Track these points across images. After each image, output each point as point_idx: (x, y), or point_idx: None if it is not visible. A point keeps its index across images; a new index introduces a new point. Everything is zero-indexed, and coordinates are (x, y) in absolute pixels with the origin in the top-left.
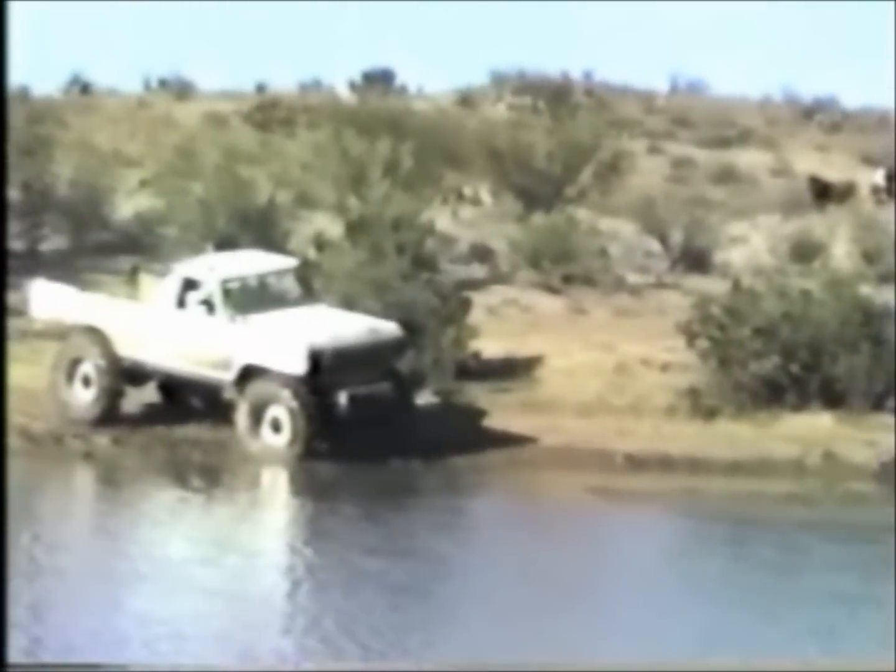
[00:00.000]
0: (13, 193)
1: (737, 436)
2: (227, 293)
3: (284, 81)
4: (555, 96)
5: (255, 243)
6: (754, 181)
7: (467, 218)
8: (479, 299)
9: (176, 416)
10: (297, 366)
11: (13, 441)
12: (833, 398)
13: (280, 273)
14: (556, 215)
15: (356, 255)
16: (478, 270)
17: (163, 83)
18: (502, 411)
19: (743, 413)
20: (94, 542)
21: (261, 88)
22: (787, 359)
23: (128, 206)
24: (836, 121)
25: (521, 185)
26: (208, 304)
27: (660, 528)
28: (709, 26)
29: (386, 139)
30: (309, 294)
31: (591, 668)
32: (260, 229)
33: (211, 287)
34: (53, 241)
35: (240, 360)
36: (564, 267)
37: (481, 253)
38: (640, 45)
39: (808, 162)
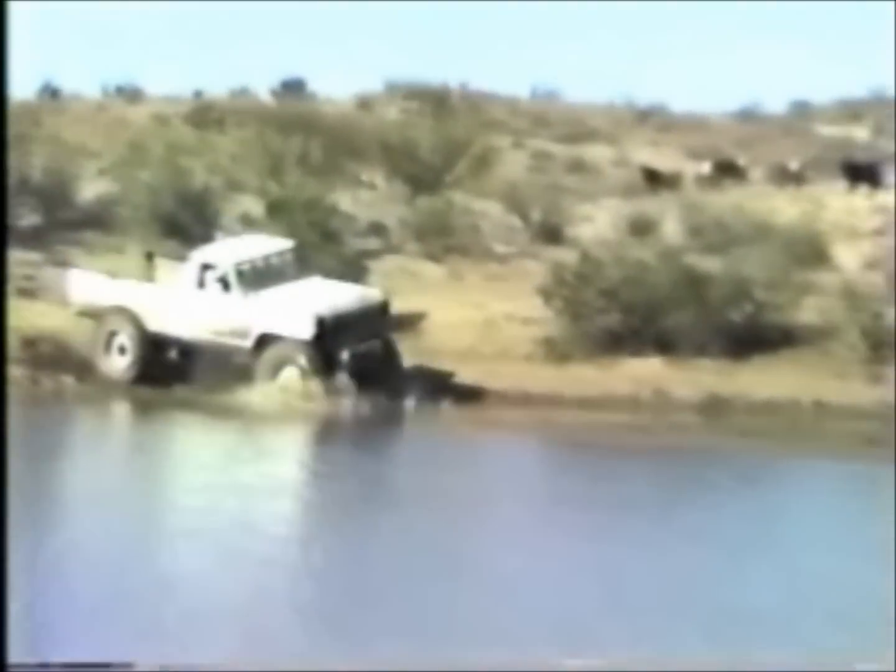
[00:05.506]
0: None
1: (585, 377)
2: (240, 274)
3: (217, 89)
4: (437, 101)
5: (193, 221)
6: (599, 171)
7: (365, 200)
8: (375, 266)
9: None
10: (306, 331)
11: None
12: (664, 346)
13: (281, 253)
14: (438, 198)
15: (275, 230)
16: (374, 243)
17: (118, 90)
18: None
19: (590, 358)
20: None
21: (198, 94)
22: (627, 315)
23: (90, 189)
24: (666, 122)
25: (409, 173)
26: (224, 284)
27: (523, 451)
28: (563, 43)
29: (299, 136)
30: (304, 269)
31: (592, 668)
32: (197, 209)
33: (226, 269)
34: (29, 219)
35: (256, 330)
36: (444, 240)
37: (377, 229)
38: (505, 59)
39: (643, 155)
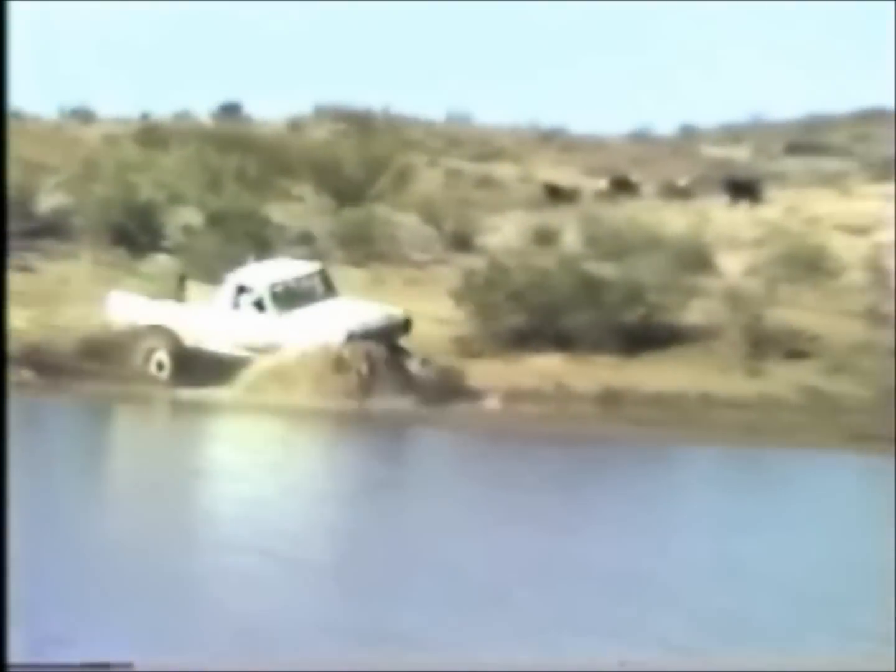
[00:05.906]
0: None
1: (494, 372)
2: (274, 295)
3: (162, 111)
4: (361, 123)
5: (139, 230)
6: (506, 186)
7: (295, 212)
8: None
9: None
10: None
11: None
12: (564, 344)
13: (311, 275)
14: (361, 210)
15: (214, 239)
16: (303, 251)
17: (73, 112)
18: None
19: (498, 355)
20: None
21: (145, 116)
22: (531, 316)
23: (47, 202)
24: (566, 143)
25: (335, 187)
26: (259, 305)
27: (440, 440)
28: (475, 71)
29: (236, 154)
30: (330, 290)
31: (594, 668)
32: (143, 220)
33: (261, 291)
34: None
35: (291, 346)
36: (367, 248)
37: (305, 238)
38: (423, 85)
39: (546, 173)
